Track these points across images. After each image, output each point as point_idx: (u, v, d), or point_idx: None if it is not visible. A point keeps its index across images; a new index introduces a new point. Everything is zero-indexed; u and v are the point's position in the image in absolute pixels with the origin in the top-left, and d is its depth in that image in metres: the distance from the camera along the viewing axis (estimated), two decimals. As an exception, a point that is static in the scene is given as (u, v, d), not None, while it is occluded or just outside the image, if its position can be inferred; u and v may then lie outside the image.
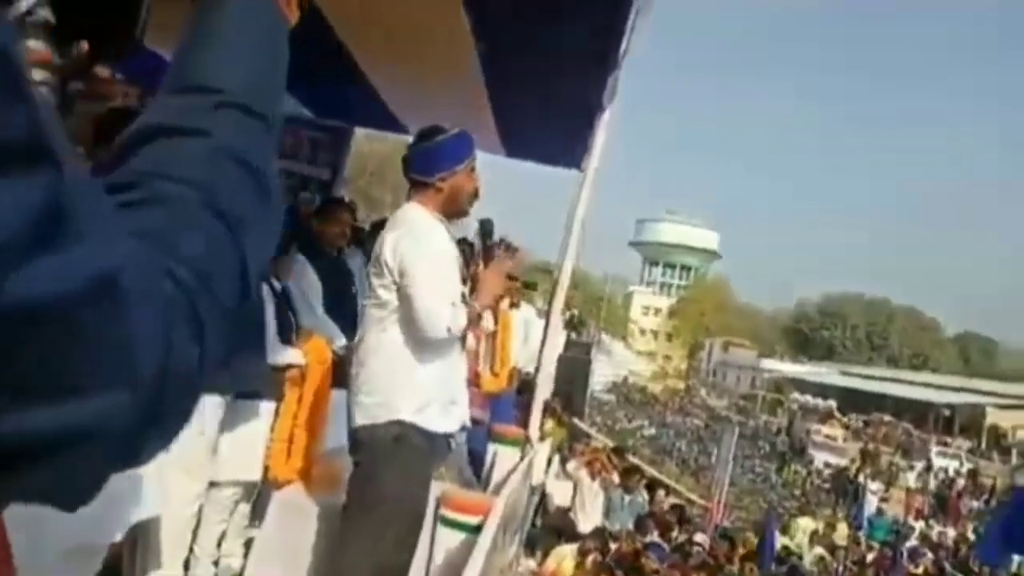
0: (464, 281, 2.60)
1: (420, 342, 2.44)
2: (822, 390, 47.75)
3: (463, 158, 2.57)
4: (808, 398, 46.10)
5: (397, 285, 2.43)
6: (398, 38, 3.61)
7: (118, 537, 1.97)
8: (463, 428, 2.71)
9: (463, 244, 2.96)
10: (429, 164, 2.56)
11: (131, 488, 1.98)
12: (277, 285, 3.34)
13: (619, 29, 3.14)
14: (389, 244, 2.46)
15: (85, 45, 0.77)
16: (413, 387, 2.46)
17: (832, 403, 43.93)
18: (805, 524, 15.24)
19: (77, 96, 0.75)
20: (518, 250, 2.62)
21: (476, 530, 2.76)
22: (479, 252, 2.71)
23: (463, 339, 2.60)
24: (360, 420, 2.47)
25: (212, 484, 3.03)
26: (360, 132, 7.33)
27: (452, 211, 2.60)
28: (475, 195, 2.62)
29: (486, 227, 2.71)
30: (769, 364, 58.45)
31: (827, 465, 32.30)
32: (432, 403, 2.48)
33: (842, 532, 15.65)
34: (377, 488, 2.44)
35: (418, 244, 2.45)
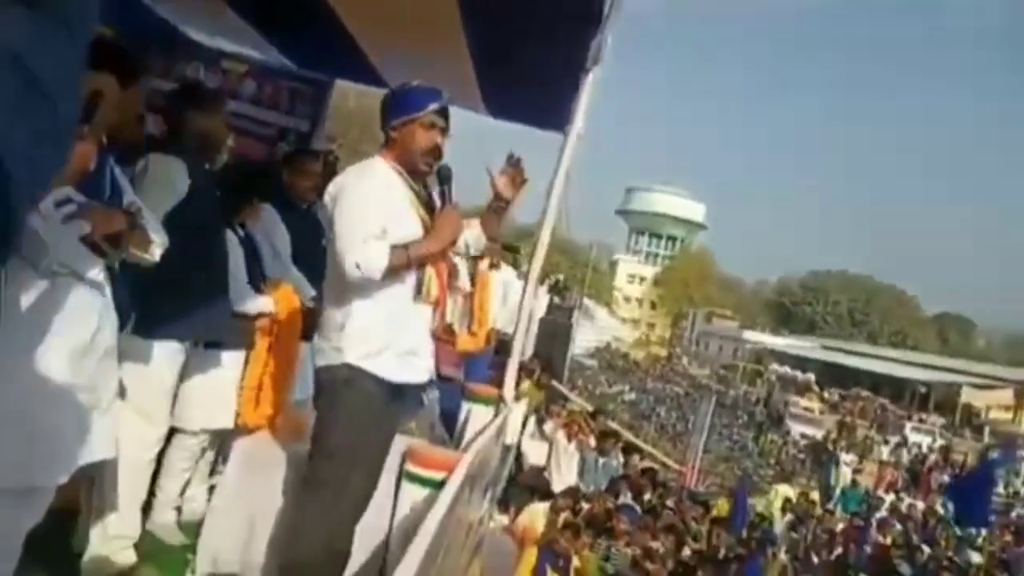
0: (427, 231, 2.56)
1: (379, 292, 2.42)
2: (802, 363, 48.28)
3: (419, 108, 2.51)
4: (787, 370, 46.62)
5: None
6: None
7: (62, 479, 1.96)
8: (430, 382, 2.70)
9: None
10: (385, 115, 2.57)
11: (76, 430, 1.97)
12: (241, 232, 3.30)
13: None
14: (331, 189, 2.49)
15: None
16: (360, 331, 2.44)
17: (811, 376, 44.49)
18: (784, 491, 15.48)
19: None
20: (522, 171, 2.72)
21: (441, 486, 2.79)
22: (438, 200, 2.66)
23: (419, 289, 2.53)
24: (318, 362, 2.50)
25: (178, 431, 3.03)
26: (351, 88, 7.19)
27: (407, 163, 2.54)
28: (432, 151, 2.55)
29: (443, 172, 2.65)
30: (751, 336, 58.96)
31: (803, 436, 32.82)
32: (386, 351, 2.46)
33: (815, 501, 15.96)
34: (332, 432, 2.45)
35: (350, 185, 2.45)
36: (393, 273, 2.40)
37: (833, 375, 46.94)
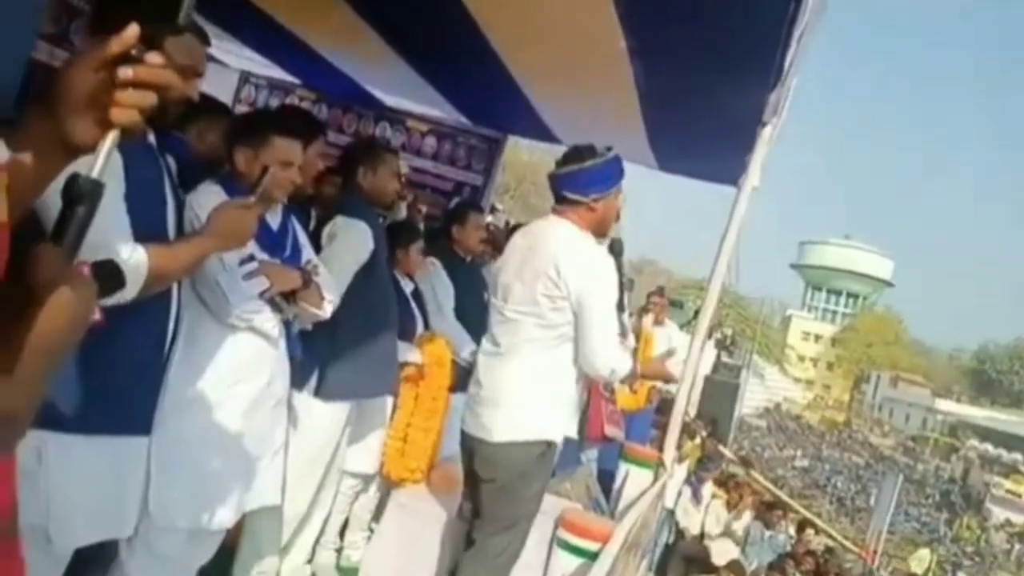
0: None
1: (580, 368, 2.48)
2: (1006, 440, 42.95)
3: (618, 181, 2.58)
4: (989, 447, 41.65)
5: (574, 312, 2.41)
6: (553, 52, 3.60)
7: (230, 523, 2.07)
8: (580, 443, 2.73)
9: None
10: (586, 183, 2.53)
11: (245, 477, 2.08)
12: (408, 283, 3.39)
13: (782, 43, 2.94)
14: (570, 269, 2.40)
15: (134, 30, 0.78)
16: (563, 407, 2.50)
17: (1018, 455, 39.49)
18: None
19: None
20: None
21: (594, 557, 2.67)
22: None
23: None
24: (506, 436, 2.44)
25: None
26: (523, 143, 7.41)
27: (599, 232, 2.58)
28: (617, 218, 2.64)
29: (616, 247, 2.64)
30: (945, 405, 53.25)
31: (1008, 523, 29.03)
32: (566, 419, 2.53)
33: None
34: (520, 505, 2.48)
35: (601, 277, 2.44)
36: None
37: (1047, 457, 41.29)
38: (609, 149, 2.58)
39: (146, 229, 1.68)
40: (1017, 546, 26.77)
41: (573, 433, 2.62)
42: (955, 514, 30.38)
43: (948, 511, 30.87)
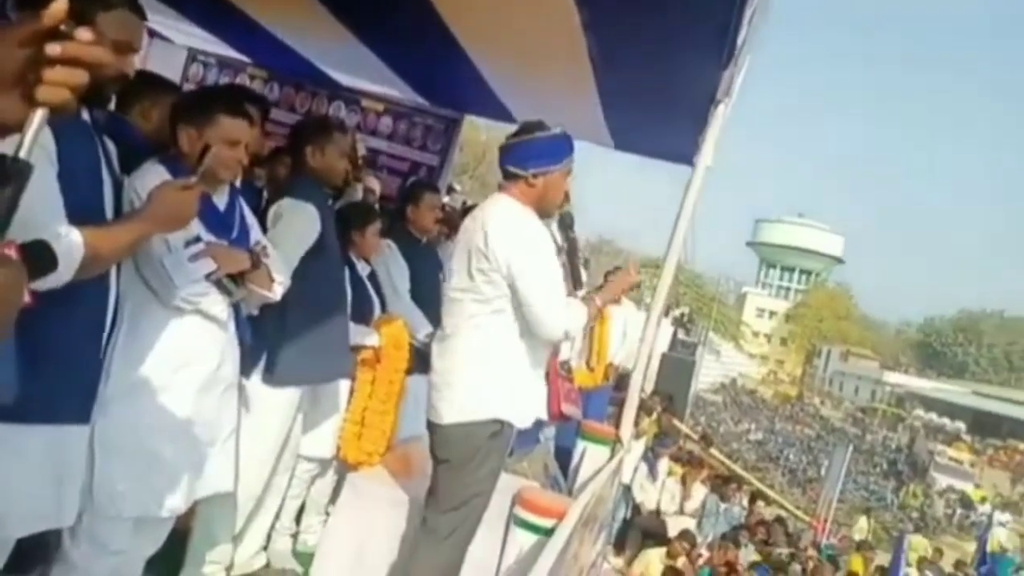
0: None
1: (527, 341, 2.42)
2: (950, 409, 44.61)
3: (561, 158, 2.50)
4: (933, 416, 43.21)
5: (508, 284, 2.36)
6: (508, 30, 3.56)
7: (180, 511, 2.04)
8: (538, 422, 2.67)
9: None
10: (526, 157, 2.48)
11: (195, 463, 2.03)
12: (365, 266, 3.34)
13: (734, 22, 2.95)
14: (497, 240, 2.36)
15: (62, 4, 0.75)
16: (512, 385, 2.43)
17: (960, 424, 41.04)
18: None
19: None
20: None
21: (550, 533, 2.70)
22: (563, 246, 2.62)
23: None
24: (454, 417, 2.41)
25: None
26: (480, 121, 7.32)
27: (543, 209, 2.52)
28: (565, 199, 2.56)
29: (567, 220, 2.63)
30: (892, 377, 55.02)
31: (950, 489, 30.22)
32: (524, 398, 2.48)
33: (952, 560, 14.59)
34: (470, 485, 2.44)
35: (529, 243, 2.38)
36: None
37: (987, 424, 43.05)
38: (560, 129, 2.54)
39: (82, 210, 1.62)
40: (959, 511, 27.87)
41: (542, 414, 2.58)
42: (902, 482, 31.50)
43: (895, 479, 31.98)
